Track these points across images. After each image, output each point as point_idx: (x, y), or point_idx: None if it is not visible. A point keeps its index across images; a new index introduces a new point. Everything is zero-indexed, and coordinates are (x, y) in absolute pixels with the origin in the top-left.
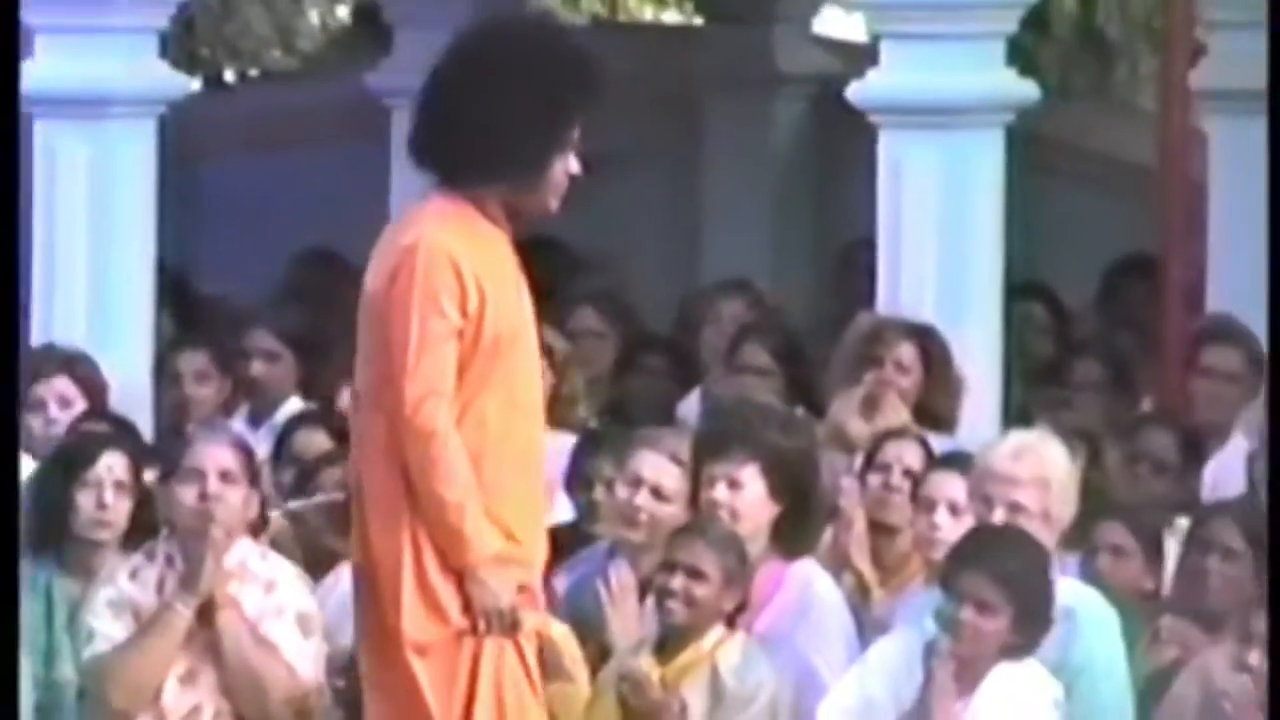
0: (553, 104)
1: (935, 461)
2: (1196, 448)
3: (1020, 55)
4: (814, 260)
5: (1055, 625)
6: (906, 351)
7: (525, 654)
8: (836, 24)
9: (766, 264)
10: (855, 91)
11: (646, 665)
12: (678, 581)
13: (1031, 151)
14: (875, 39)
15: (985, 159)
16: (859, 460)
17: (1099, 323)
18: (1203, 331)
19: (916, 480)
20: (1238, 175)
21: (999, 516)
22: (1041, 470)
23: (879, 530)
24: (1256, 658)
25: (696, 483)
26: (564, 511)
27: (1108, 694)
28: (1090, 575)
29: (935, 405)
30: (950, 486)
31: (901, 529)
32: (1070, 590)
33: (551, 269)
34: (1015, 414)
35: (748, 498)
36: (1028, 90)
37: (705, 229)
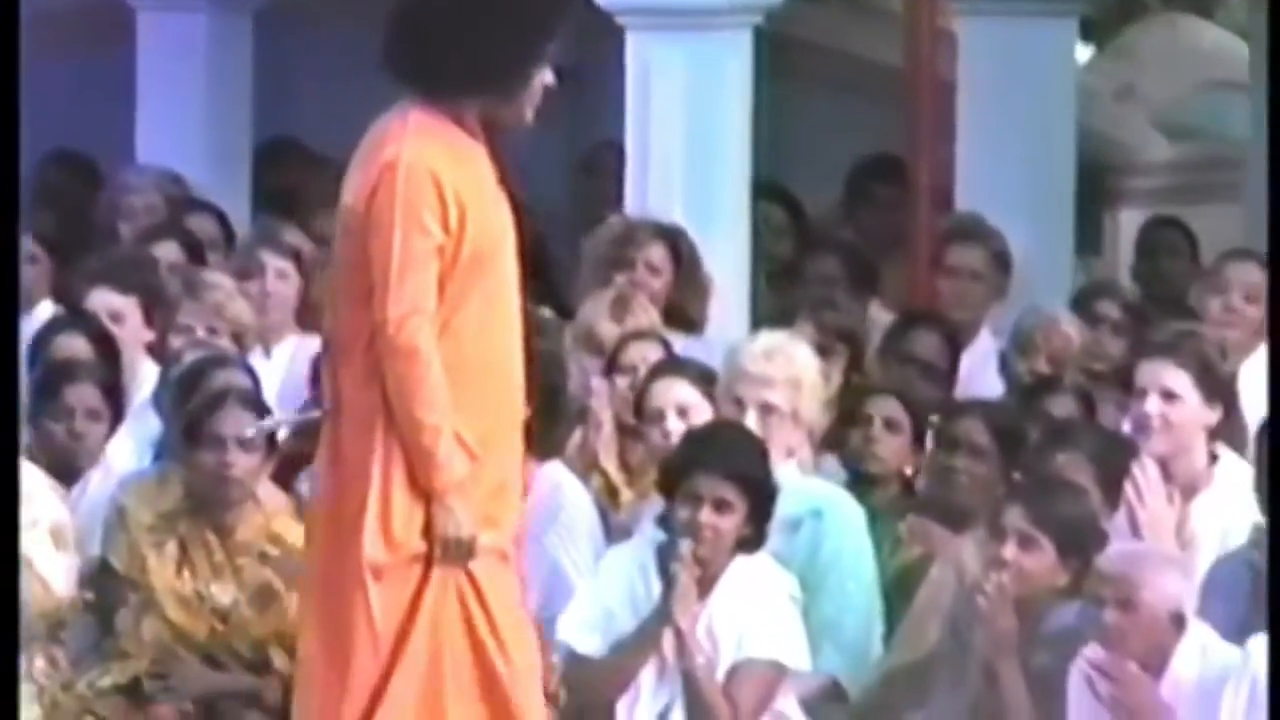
0: (533, 17)
1: (661, 368)
2: (955, 348)
3: None
4: (562, 164)
5: (804, 524)
6: (657, 252)
7: (480, 584)
8: None
9: (518, 167)
10: None
11: None
12: None
13: (779, 54)
14: None
15: (733, 62)
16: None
17: (842, 223)
18: (949, 231)
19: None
20: (986, 76)
21: (751, 418)
22: (792, 370)
23: (626, 432)
24: (1011, 551)
25: None
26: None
27: (855, 590)
28: (857, 450)
29: (685, 307)
30: (678, 391)
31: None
32: (819, 490)
33: (293, 171)
34: (765, 316)
35: None
36: None
37: None
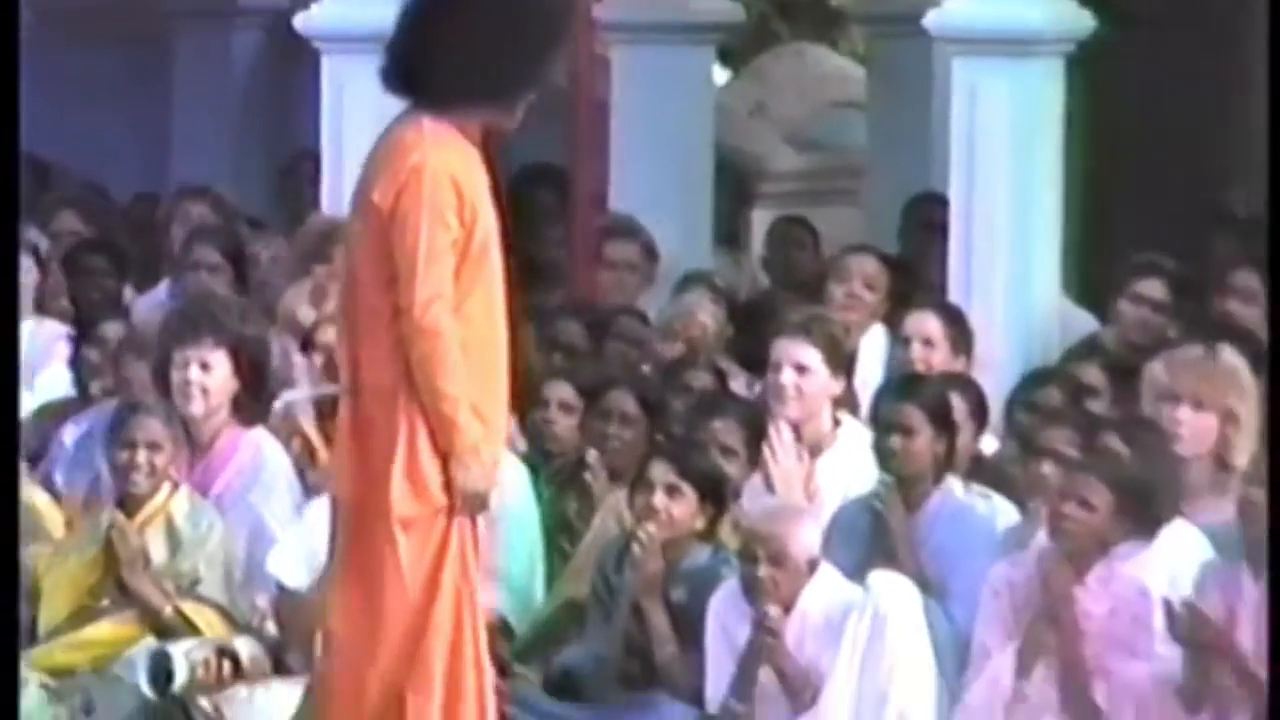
0: (531, 45)
1: None
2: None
3: None
4: (269, 171)
5: None
6: None
7: (478, 533)
8: None
9: (227, 173)
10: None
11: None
12: (141, 456)
13: None
14: None
15: None
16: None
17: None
18: (606, 229)
19: None
20: (637, 96)
21: None
22: None
23: (323, 399)
24: (660, 500)
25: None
26: None
27: (520, 542)
28: (536, 428)
29: None
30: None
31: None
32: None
33: (29, 179)
34: None
35: (217, 377)
36: None
37: (175, 143)
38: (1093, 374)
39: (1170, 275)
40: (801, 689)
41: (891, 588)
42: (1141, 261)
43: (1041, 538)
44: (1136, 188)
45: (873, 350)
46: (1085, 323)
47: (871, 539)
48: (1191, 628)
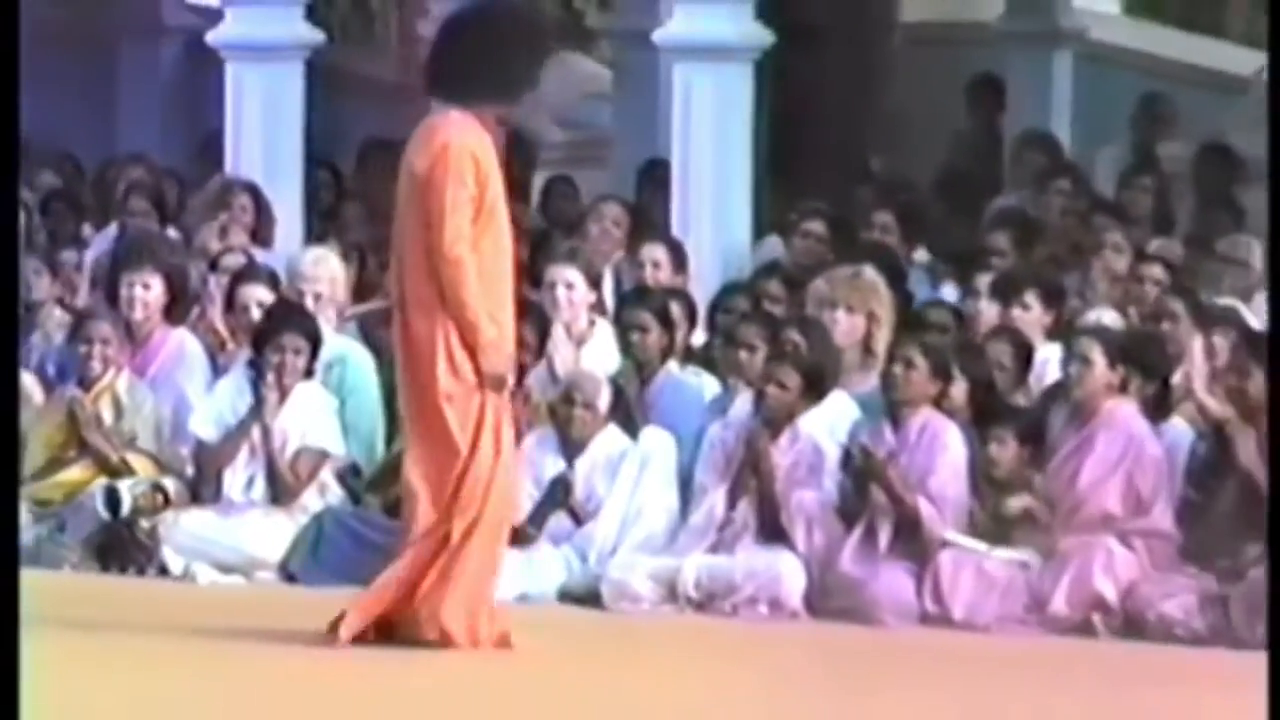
0: (526, 58)
1: (244, 272)
2: None
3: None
4: (190, 143)
5: (336, 364)
6: (244, 199)
7: (503, 404)
8: None
9: (158, 146)
10: None
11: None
12: (96, 349)
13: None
14: None
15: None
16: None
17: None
18: None
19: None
20: None
21: (309, 301)
22: (330, 271)
23: (229, 308)
24: None
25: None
26: None
27: (366, 404)
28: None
29: (265, 231)
30: (256, 288)
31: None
32: (344, 343)
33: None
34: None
35: (153, 293)
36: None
37: (121, 124)
38: (774, 287)
39: (828, 216)
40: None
41: (654, 440)
42: (808, 207)
43: (739, 405)
44: (805, 154)
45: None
46: (772, 249)
47: (616, 406)
48: (864, 464)
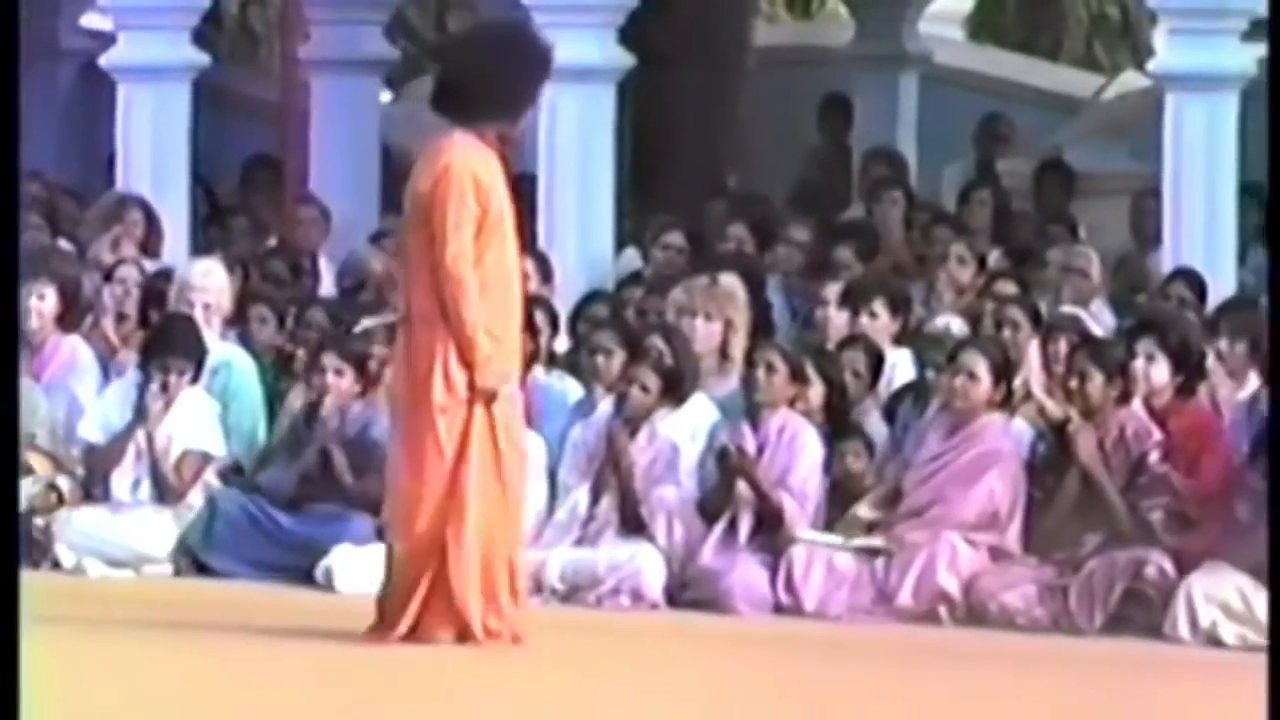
0: (524, 81)
1: (151, 283)
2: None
3: None
4: (86, 161)
5: (221, 369)
6: (136, 213)
7: (494, 416)
8: None
9: (54, 164)
10: None
11: None
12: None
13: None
14: None
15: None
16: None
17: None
18: (299, 198)
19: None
20: (330, 109)
21: (198, 312)
22: (218, 281)
23: (121, 317)
24: (331, 378)
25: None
26: None
27: (250, 408)
28: (255, 330)
29: (155, 244)
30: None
31: (131, 316)
32: (228, 350)
33: None
34: (203, 247)
35: (48, 303)
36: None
37: (24, 143)
38: (636, 295)
39: (686, 229)
40: None
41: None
42: (667, 220)
43: (602, 407)
44: (664, 170)
45: None
46: (631, 260)
47: None
48: (733, 462)
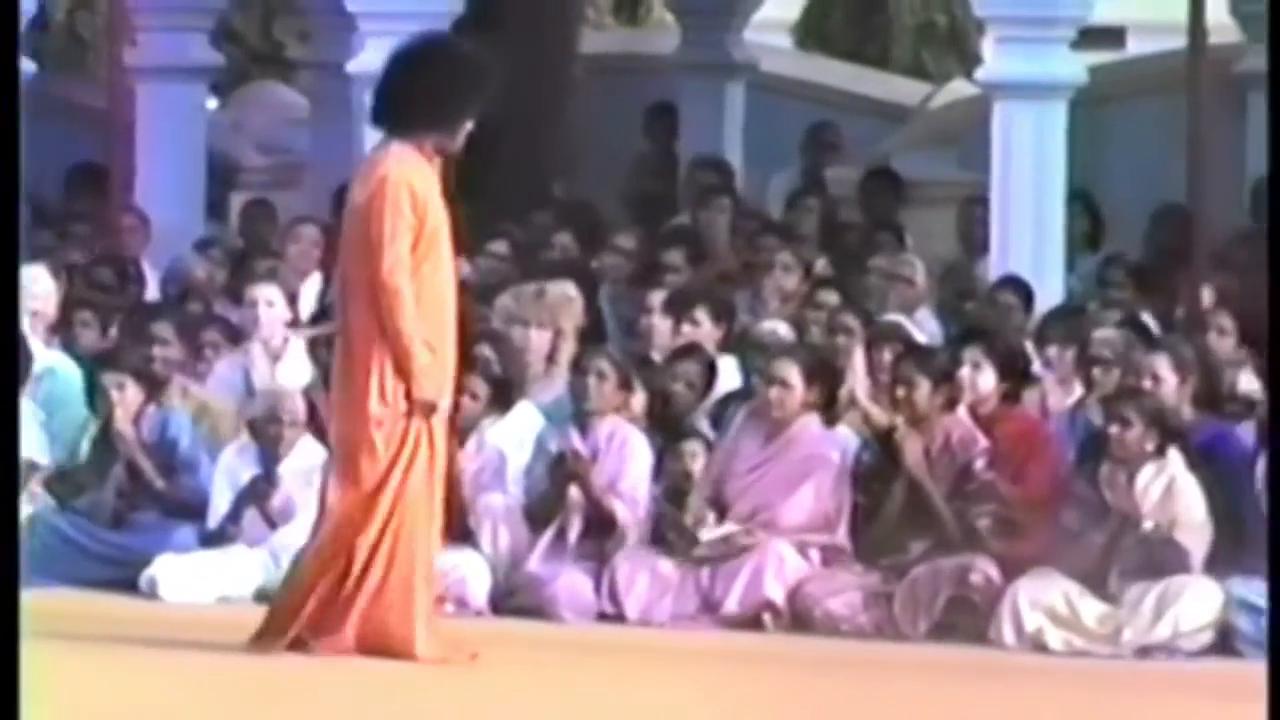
0: (467, 92)
1: None
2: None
3: None
4: None
5: (46, 376)
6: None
7: (433, 431)
8: None
9: None
10: None
11: None
12: None
13: None
14: None
15: None
16: None
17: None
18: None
19: None
20: (156, 117)
21: (25, 318)
22: (46, 289)
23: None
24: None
25: None
26: None
27: (72, 413)
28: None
29: None
30: None
31: None
32: (52, 357)
33: None
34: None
35: None
36: None
37: None
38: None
39: (512, 237)
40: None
41: None
42: (493, 229)
43: None
44: (491, 178)
45: (314, 289)
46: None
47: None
48: (568, 468)
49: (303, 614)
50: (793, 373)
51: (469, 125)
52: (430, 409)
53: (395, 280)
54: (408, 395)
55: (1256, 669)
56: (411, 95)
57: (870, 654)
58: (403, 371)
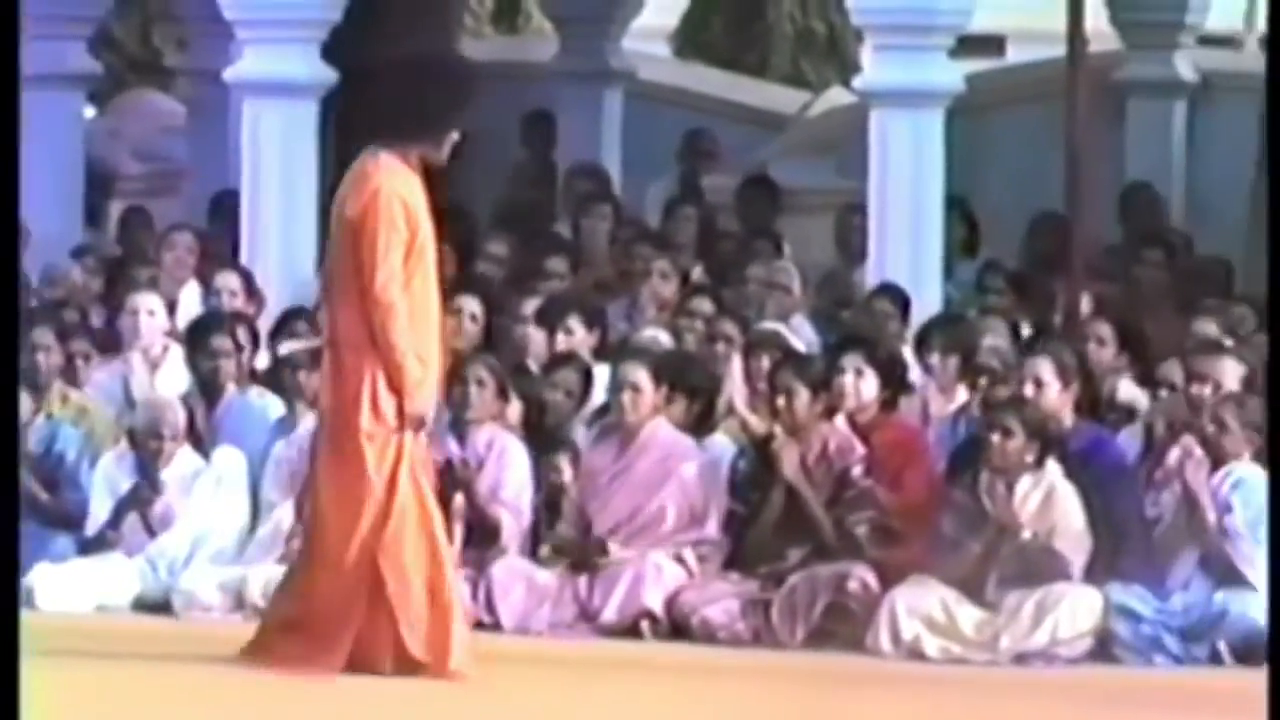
0: (452, 104)
1: None
2: None
3: None
4: None
5: None
6: None
7: (420, 442)
8: None
9: None
10: None
11: None
12: None
13: None
14: None
15: None
16: None
17: None
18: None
19: None
20: (38, 127)
21: None
22: None
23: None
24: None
25: None
26: None
27: None
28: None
29: None
30: None
31: None
32: None
33: None
34: None
35: None
36: None
37: None
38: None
39: None
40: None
41: (227, 458)
42: None
43: (304, 424)
44: None
45: (192, 297)
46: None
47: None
48: (460, 474)
49: (344, 637)
50: (641, 375)
51: (455, 136)
52: (420, 423)
53: (389, 295)
54: (399, 410)
55: (1256, 677)
56: (398, 105)
57: (748, 661)
58: (395, 385)
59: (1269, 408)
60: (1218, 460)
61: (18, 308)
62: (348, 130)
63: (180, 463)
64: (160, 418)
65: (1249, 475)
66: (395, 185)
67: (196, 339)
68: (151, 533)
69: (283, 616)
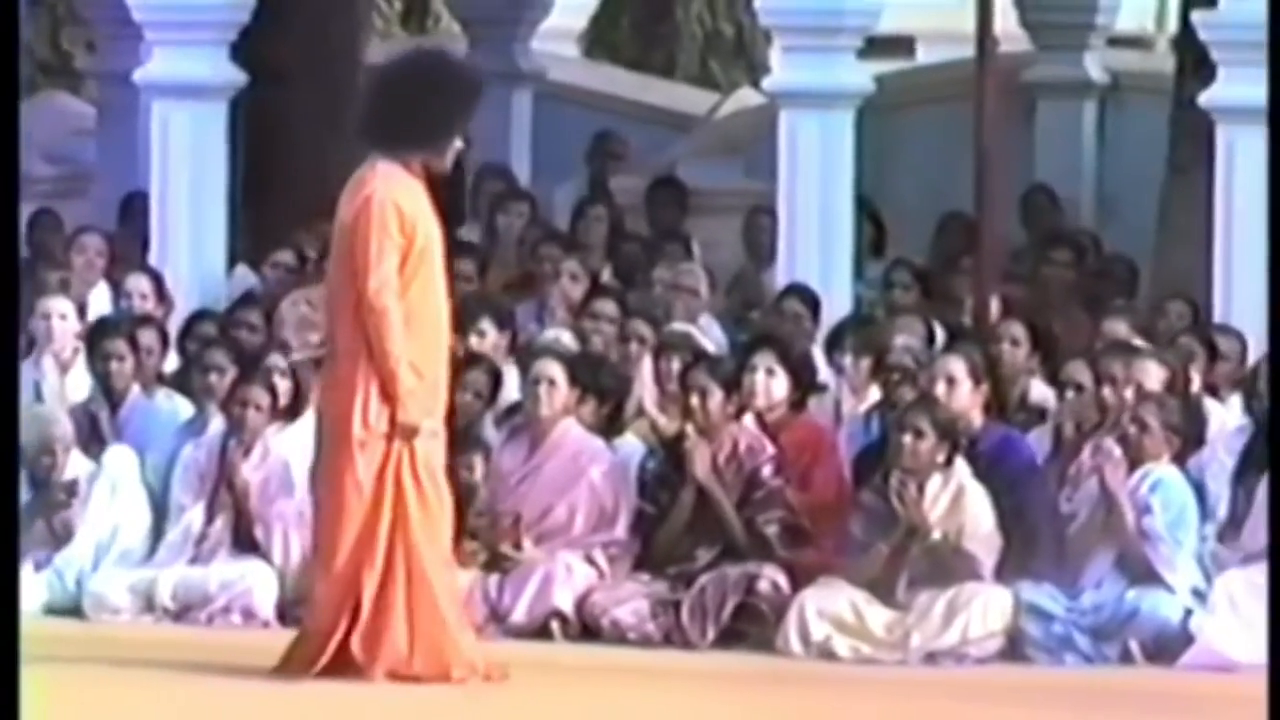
0: (455, 110)
1: None
2: None
3: None
4: None
5: None
6: None
7: (415, 453)
8: None
9: None
10: None
11: None
12: None
13: None
14: None
15: None
16: None
17: None
18: None
19: None
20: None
21: None
22: None
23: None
24: None
25: None
26: None
27: None
28: None
29: None
30: None
31: None
32: None
33: None
34: None
35: None
36: None
37: None
38: (248, 315)
39: (298, 247)
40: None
41: (119, 460)
42: (279, 239)
43: (214, 426)
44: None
45: (102, 299)
46: (243, 278)
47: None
48: None
49: (329, 646)
50: (556, 370)
51: (458, 143)
52: (411, 432)
53: (382, 300)
54: (391, 419)
55: (1255, 678)
56: (397, 112)
57: (658, 662)
58: (388, 393)
59: (1269, 407)
60: (1135, 461)
61: (18, 304)
62: (259, 130)
63: (72, 470)
64: (50, 436)
65: (1168, 476)
66: (390, 191)
67: (94, 342)
68: (56, 543)
69: (301, 625)
